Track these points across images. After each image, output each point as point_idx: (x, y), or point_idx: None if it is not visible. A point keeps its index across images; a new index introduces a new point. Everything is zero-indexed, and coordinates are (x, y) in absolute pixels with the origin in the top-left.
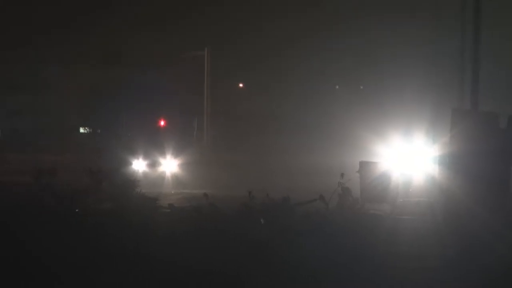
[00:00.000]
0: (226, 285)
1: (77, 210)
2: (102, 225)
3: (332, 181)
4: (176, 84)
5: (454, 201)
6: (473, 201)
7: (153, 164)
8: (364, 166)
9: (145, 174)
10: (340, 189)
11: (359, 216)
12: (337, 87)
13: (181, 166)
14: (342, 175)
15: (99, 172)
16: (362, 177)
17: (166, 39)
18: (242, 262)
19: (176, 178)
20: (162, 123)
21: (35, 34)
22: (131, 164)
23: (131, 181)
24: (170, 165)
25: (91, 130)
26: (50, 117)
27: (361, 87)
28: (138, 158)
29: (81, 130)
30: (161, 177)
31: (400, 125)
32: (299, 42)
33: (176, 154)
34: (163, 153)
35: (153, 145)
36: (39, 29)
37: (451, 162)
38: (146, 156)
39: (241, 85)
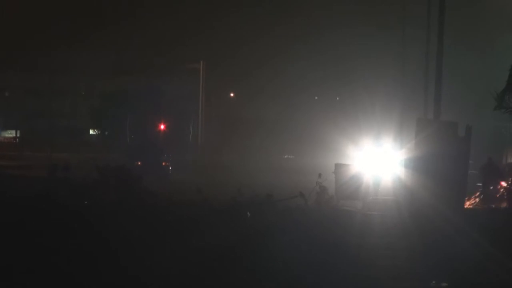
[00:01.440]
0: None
1: (86, 202)
2: (107, 216)
3: (311, 180)
4: (175, 92)
5: (418, 199)
6: (434, 199)
7: (153, 162)
8: (339, 167)
9: (146, 171)
10: (318, 187)
11: (334, 211)
12: (317, 97)
13: (178, 164)
14: (319, 175)
15: (106, 169)
16: (337, 177)
17: (168, 52)
18: (228, 256)
19: (174, 175)
20: (162, 126)
21: (52, 46)
22: (134, 162)
23: (134, 177)
24: (168, 163)
25: (99, 132)
26: (64, 119)
27: (337, 98)
28: (140, 157)
29: (91, 132)
30: (161, 174)
31: (371, 131)
32: (284, 56)
33: (174, 154)
34: (162, 153)
35: (154, 146)
36: (55, 42)
37: (416, 164)
38: (147, 155)
39: (232, 94)
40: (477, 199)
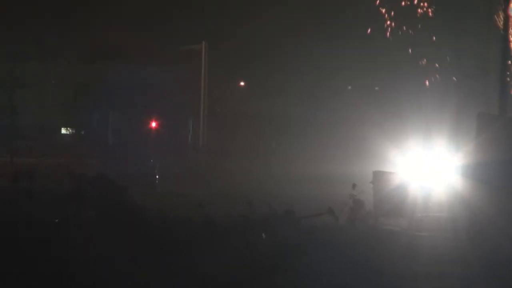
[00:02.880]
0: None
1: (56, 220)
2: (82, 237)
3: (343, 192)
4: (170, 82)
5: (479, 216)
6: (501, 216)
7: (142, 169)
8: (379, 176)
9: (133, 180)
10: (352, 201)
11: (372, 231)
12: (350, 87)
13: (175, 171)
14: (354, 185)
15: (82, 177)
16: (376, 189)
17: (159, 33)
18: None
19: (168, 185)
20: (153, 124)
21: (12, 24)
22: (118, 168)
23: (117, 188)
24: (162, 170)
25: (74, 131)
26: (29, 116)
27: (376, 88)
28: (126, 163)
29: (63, 131)
30: (152, 183)
31: (419, 131)
32: (307, 37)
33: (169, 159)
34: (154, 158)
35: (143, 149)
36: (15, 19)
37: (476, 172)
38: (135, 160)
39: (242, 83)
40: None
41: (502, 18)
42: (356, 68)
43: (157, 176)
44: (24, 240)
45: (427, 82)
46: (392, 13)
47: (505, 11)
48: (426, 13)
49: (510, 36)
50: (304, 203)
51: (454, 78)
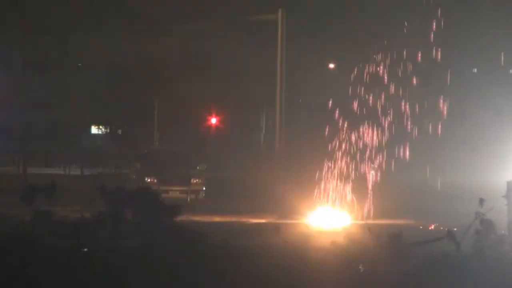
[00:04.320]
0: None
1: (85, 250)
2: (121, 274)
3: (465, 210)
4: (236, 63)
5: None
6: None
7: (198, 181)
8: None
9: (187, 195)
10: (479, 222)
11: (506, 263)
12: (475, 70)
13: (242, 184)
14: (481, 201)
15: (119, 192)
16: None
17: None
18: None
19: (233, 201)
20: (213, 120)
21: None
22: (167, 181)
23: (166, 207)
24: (224, 182)
25: (108, 130)
26: (48, 110)
27: (511, 71)
28: (177, 172)
29: (94, 130)
30: (212, 199)
31: None
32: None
33: (234, 167)
34: (214, 166)
35: (200, 154)
36: None
37: None
38: (188, 169)
39: (331, 65)
40: None
41: None
42: (484, 45)
43: (203, 188)
44: (41, 274)
45: None
46: None
47: None
48: None
49: None
50: (413, 224)
51: None
